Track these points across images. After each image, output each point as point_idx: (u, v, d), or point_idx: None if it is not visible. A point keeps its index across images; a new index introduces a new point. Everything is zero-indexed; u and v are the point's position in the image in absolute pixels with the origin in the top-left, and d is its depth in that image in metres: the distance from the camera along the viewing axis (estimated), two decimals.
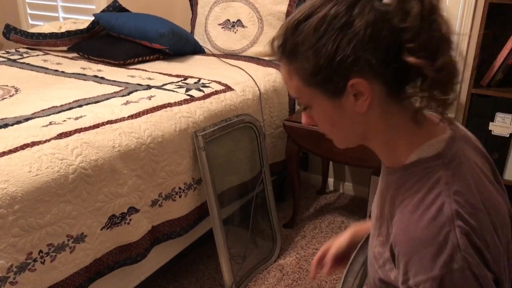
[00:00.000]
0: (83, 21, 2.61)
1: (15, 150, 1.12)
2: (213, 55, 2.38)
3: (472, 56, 1.89)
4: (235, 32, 2.37)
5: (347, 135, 0.71)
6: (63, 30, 2.38)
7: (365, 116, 0.67)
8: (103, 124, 1.32)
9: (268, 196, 1.95)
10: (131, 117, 1.40)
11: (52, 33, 2.36)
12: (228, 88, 1.80)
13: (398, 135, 0.68)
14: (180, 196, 1.52)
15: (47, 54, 2.37)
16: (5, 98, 1.58)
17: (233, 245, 1.77)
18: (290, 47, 0.66)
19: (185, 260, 1.90)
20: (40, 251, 1.09)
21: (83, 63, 2.17)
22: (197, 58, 2.31)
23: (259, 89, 1.93)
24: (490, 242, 0.59)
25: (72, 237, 1.16)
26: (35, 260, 1.08)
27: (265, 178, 1.92)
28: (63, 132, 1.22)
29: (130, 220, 1.32)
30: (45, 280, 1.11)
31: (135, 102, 1.52)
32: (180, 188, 1.52)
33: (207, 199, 1.61)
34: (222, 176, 1.71)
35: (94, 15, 2.28)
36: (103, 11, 2.38)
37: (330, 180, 2.54)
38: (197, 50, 2.41)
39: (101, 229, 1.24)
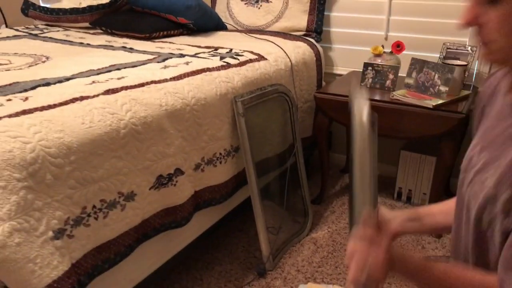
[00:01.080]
0: None
1: (65, 103, 1.08)
2: (237, 30, 2.34)
3: None
4: (259, 8, 2.33)
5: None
6: (83, 5, 2.33)
7: None
8: (147, 83, 1.28)
9: (301, 170, 1.92)
10: (174, 79, 1.37)
11: (73, 8, 2.31)
12: (261, 58, 1.77)
13: None
14: (220, 163, 1.49)
15: (68, 30, 2.32)
16: (38, 63, 1.53)
17: (267, 216, 1.73)
18: None
19: (217, 234, 1.87)
20: (94, 206, 1.05)
21: (107, 37, 2.12)
22: (222, 33, 2.27)
23: (290, 60, 1.90)
24: None
25: (123, 195, 1.13)
26: (89, 215, 1.04)
27: (298, 152, 1.89)
28: (110, 89, 1.19)
29: (176, 182, 1.29)
30: (98, 237, 1.07)
31: (174, 66, 1.48)
32: (220, 154, 1.48)
33: (245, 167, 1.58)
34: (257, 146, 1.67)
35: None
36: None
37: None
38: (220, 26, 2.37)
39: (150, 189, 1.21)
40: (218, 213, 1.60)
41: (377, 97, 1.83)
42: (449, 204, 0.89)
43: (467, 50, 1.93)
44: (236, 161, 1.58)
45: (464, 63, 1.85)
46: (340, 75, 2.36)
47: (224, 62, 1.61)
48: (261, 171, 1.74)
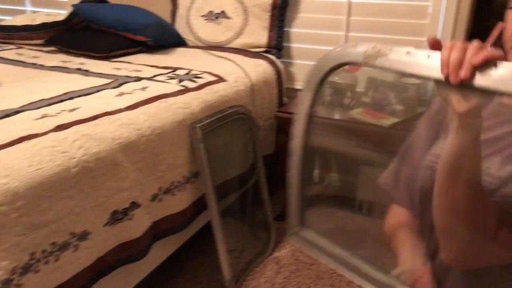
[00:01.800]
0: (57, 14, 2.49)
1: (12, 143, 1.04)
2: (198, 47, 2.33)
3: None
4: (219, 24, 2.32)
5: None
6: (37, 22, 2.26)
7: None
8: (101, 115, 1.25)
9: (262, 188, 1.92)
10: (128, 108, 1.34)
11: (26, 25, 2.24)
12: (220, 79, 1.76)
13: None
14: (179, 190, 1.47)
15: (21, 47, 2.25)
16: None
17: (229, 239, 1.73)
18: None
19: (178, 259, 1.85)
20: (44, 251, 1.02)
21: (62, 56, 2.07)
22: (181, 50, 2.25)
23: (250, 80, 1.90)
24: None
25: (75, 235, 1.10)
26: (38, 261, 1.01)
27: (259, 170, 1.90)
28: (61, 124, 1.15)
29: (133, 215, 1.27)
30: (49, 282, 1.04)
31: (129, 93, 1.46)
32: (179, 181, 1.47)
33: (205, 192, 1.56)
34: (218, 169, 1.66)
35: (73, 5, 2.18)
36: (81, 2, 2.28)
37: (316, 172, 2.54)
38: (180, 42, 2.35)
39: (104, 226, 1.18)
40: (178, 240, 1.59)
41: (335, 116, 1.86)
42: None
43: None
44: (196, 186, 1.57)
45: (419, 82, 1.90)
46: (301, 90, 2.38)
47: (182, 86, 1.60)
48: (223, 193, 1.73)
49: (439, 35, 2.04)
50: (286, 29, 2.33)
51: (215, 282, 1.73)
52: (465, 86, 0.57)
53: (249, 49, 2.25)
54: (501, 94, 0.57)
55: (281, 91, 2.18)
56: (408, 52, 0.64)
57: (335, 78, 1.99)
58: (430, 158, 0.85)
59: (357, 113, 1.83)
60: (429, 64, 0.61)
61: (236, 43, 2.29)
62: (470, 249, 0.71)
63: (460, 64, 0.56)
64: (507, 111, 0.79)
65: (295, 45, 2.36)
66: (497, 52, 0.56)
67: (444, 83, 0.59)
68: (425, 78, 0.62)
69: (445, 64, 0.58)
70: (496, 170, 0.72)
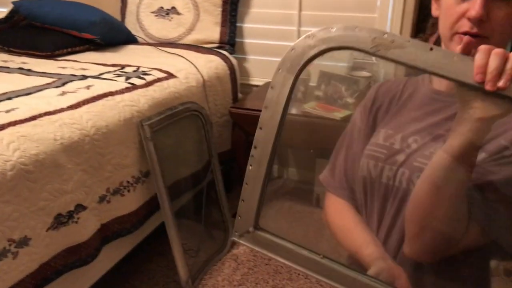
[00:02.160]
0: None
1: None
2: (148, 44, 2.27)
3: None
4: (170, 20, 2.28)
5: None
6: None
7: None
8: (40, 115, 1.20)
9: (218, 186, 1.90)
10: (71, 107, 1.29)
11: None
12: (170, 76, 1.72)
13: None
14: (128, 191, 1.43)
15: None
16: None
17: (185, 239, 1.70)
18: None
19: (134, 261, 1.80)
20: None
21: (3, 55, 1.97)
22: (131, 47, 2.19)
23: (202, 76, 1.87)
24: None
25: (14, 241, 1.04)
26: None
27: (214, 168, 1.87)
28: None
29: (78, 218, 1.21)
30: None
31: (73, 92, 1.40)
32: (128, 182, 1.42)
33: (157, 192, 1.52)
34: (170, 168, 1.63)
35: (13, 3, 2.08)
36: None
37: (274, 167, 2.54)
38: (130, 39, 2.28)
39: (47, 230, 1.13)
40: (131, 242, 1.54)
41: (289, 110, 1.85)
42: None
43: (373, 61, 2.00)
44: (147, 186, 1.53)
45: (369, 74, 1.92)
46: (256, 85, 2.37)
47: (129, 83, 1.55)
48: (176, 192, 1.69)
49: (388, 29, 2.07)
50: (238, 24, 2.31)
51: (173, 282, 1.69)
52: (494, 93, 0.56)
53: (201, 45, 2.21)
54: None
55: (235, 86, 2.16)
56: (431, 49, 0.59)
57: None
58: (371, 147, 0.85)
59: (310, 107, 1.84)
60: (456, 65, 0.58)
61: (188, 39, 2.25)
62: (438, 245, 0.71)
63: (499, 72, 0.55)
64: (441, 98, 0.80)
65: (249, 41, 2.35)
66: None
67: (471, 87, 0.57)
68: (450, 79, 0.59)
69: (481, 70, 0.56)
70: None
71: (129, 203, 1.43)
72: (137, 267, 1.77)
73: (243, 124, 1.94)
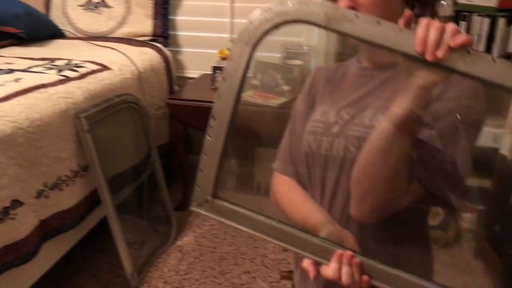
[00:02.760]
0: None
1: None
2: (78, 38, 2.20)
3: None
4: (100, 13, 2.22)
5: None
6: None
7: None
8: None
9: (159, 178, 1.89)
10: (1, 100, 1.23)
11: None
12: (104, 68, 1.69)
13: None
14: (67, 185, 1.38)
15: None
16: None
17: (128, 232, 1.67)
18: None
19: (75, 260, 1.74)
20: None
21: None
22: (60, 42, 2.11)
23: (137, 68, 1.85)
24: None
25: None
26: None
27: (154, 160, 1.86)
28: None
29: (15, 215, 1.16)
30: None
31: (0, 85, 1.33)
32: (67, 176, 1.38)
33: (97, 186, 1.49)
34: (109, 161, 1.60)
35: None
36: None
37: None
38: (57, 34, 2.20)
39: None
40: (72, 238, 1.49)
41: None
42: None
43: (304, 50, 2.08)
44: (87, 180, 1.49)
45: (302, 62, 2.00)
46: (192, 78, 2.37)
47: (62, 75, 1.50)
48: (117, 186, 1.66)
49: None
50: (171, 17, 2.30)
51: (117, 277, 1.66)
52: (433, 63, 0.60)
53: (134, 38, 2.18)
54: (468, 76, 0.61)
55: (171, 79, 2.15)
56: (378, 22, 0.63)
57: (224, 63, 2.02)
58: (313, 123, 0.90)
59: (248, 96, 1.88)
60: (401, 38, 0.62)
61: (119, 33, 2.20)
62: (383, 205, 0.76)
63: (437, 44, 0.60)
64: (367, 72, 0.87)
65: (182, 33, 2.34)
66: (471, 38, 0.61)
67: (413, 58, 0.62)
68: (396, 51, 0.63)
69: (422, 42, 0.60)
70: (369, 120, 0.79)
71: (68, 197, 1.39)
72: (79, 265, 1.72)
73: (181, 115, 1.94)
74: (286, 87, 1.86)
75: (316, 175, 0.90)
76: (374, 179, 0.74)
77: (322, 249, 0.72)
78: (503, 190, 1.71)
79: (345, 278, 0.69)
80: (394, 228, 0.82)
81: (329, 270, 0.70)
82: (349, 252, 0.70)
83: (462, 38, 0.59)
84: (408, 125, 0.68)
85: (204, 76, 2.29)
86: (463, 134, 0.74)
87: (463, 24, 1.84)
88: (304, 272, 0.75)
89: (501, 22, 1.79)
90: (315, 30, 2.00)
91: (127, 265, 1.58)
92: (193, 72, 2.39)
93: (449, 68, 0.61)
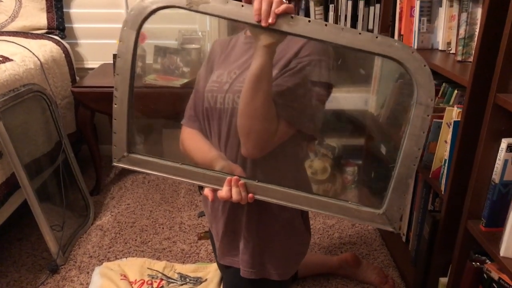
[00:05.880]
0: None
1: None
2: None
3: None
4: None
5: None
6: None
7: None
8: None
9: (73, 164, 1.96)
10: None
11: None
12: (6, 59, 1.72)
13: None
14: None
15: None
16: None
17: (48, 217, 1.73)
18: None
19: None
20: None
21: None
22: None
23: (39, 59, 1.89)
24: None
25: None
26: None
27: (66, 147, 1.93)
28: None
29: None
30: None
31: None
32: None
33: (15, 171, 1.55)
34: (22, 148, 1.65)
35: None
36: None
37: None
38: None
39: None
40: None
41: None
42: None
43: (200, 36, 2.27)
44: (2, 167, 1.54)
45: (198, 46, 2.19)
46: (92, 69, 2.44)
47: None
48: (33, 172, 1.72)
49: None
50: (66, 10, 2.34)
51: (42, 259, 1.72)
52: (270, 28, 0.84)
53: (29, 32, 2.19)
54: (294, 35, 0.86)
55: (72, 69, 2.21)
56: (227, 2, 0.86)
57: None
58: (210, 84, 1.10)
59: (151, 79, 2.02)
60: (243, 12, 0.85)
61: (12, 27, 2.20)
62: (263, 142, 0.99)
63: (268, 13, 0.83)
64: (249, 40, 1.10)
65: (79, 26, 2.40)
66: (291, 6, 0.86)
67: (255, 26, 0.85)
68: (240, 22, 0.85)
69: (257, 13, 0.84)
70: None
71: None
72: None
73: (88, 101, 2.03)
74: (186, 69, 2.04)
75: (214, 126, 1.11)
76: (251, 119, 0.98)
77: (216, 178, 0.97)
78: (374, 143, 2.07)
79: (235, 196, 0.94)
80: (273, 161, 1.07)
81: (222, 192, 0.94)
82: (235, 177, 0.94)
83: (283, 6, 0.85)
84: (263, 74, 0.92)
85: (104, 65, 2.37)
86: (314, 81, 1.02)
87: (331, 6, 2.17)
88: (205, 197, 0.97)
89: (361, 4, 2.15)
90: (207, 18, 2.20)
91: (52, 245, 1.66)
92: (93, 63, 2.45)
93: (279, 30, 0.87)
